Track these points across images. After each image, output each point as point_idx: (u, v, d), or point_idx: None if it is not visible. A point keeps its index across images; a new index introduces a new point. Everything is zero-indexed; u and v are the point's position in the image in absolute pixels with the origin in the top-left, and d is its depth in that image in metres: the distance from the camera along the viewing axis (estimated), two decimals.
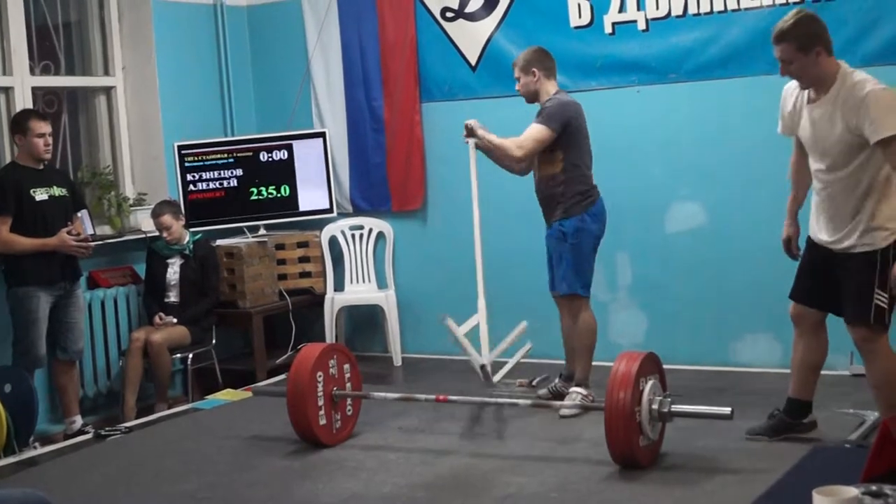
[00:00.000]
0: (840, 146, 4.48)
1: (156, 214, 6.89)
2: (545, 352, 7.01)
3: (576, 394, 5.81)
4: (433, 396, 5.52)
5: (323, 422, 5.38)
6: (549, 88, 5.91)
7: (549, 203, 5.93)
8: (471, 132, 5.92)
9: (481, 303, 6.08)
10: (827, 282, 4.73)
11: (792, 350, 5.01)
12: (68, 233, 6.03)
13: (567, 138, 5.77)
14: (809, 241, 4.83)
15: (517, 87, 5.98)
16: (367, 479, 4.90)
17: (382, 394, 5.76)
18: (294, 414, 5.36)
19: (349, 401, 5.59)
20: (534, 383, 6.47)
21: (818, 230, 4.73)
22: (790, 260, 5.01)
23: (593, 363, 5.98)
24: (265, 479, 5.01)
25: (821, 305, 4.85)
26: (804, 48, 4.44)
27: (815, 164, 4.66)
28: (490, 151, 5.97)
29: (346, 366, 5.58)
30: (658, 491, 4.51)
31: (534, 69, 5.87)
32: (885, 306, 4.55)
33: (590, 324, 5.92)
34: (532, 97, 5.95)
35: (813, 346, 4.91)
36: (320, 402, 5.37)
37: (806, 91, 4.62)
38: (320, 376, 5.37)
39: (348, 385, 5.57)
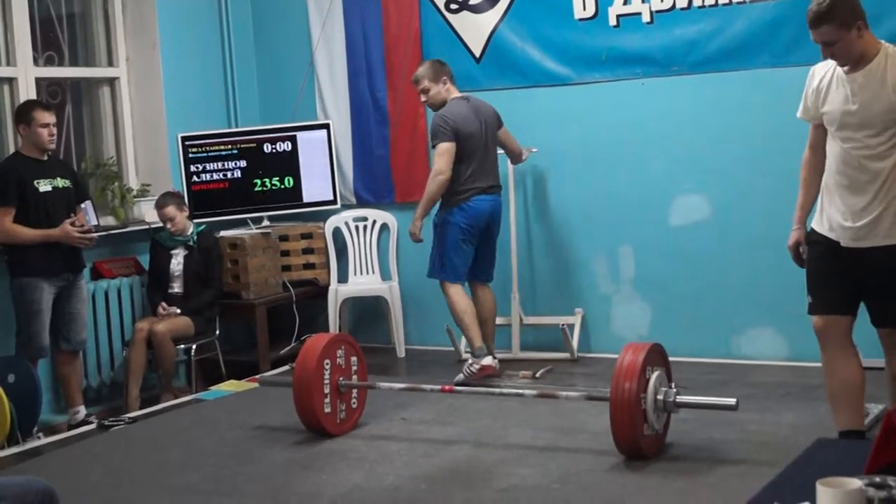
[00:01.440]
0: (884, 114, 4.21)
1: (159, 206, 6.89)
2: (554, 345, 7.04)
3: (466, 365, 6.44)
4: (438, 387, 5.53)
5: (328, 411, 5.39)
6: (453, 95, 6.48)
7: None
8: (413, 236, 6.57)
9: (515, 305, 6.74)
10: (849, 277, 4.38)
11: (826, 376, 4.51)
12: (72, 224, 6.03)
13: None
14: (820, 240, 4.45)
15: (425, 100, 6.50)
16: (369, 470, 4.91)
17: (388, 384, 5.77)
18: (300, 403, 5.36)
19: (355, 392, 5.60)
20: (537, 375, 6.47)
21: (840, 217, 4.35)
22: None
23: (600, 355, 6.40)
24: (268, 470, 5.01)
25: (849, 307, 4.45)
26: (847, 25, 4.19)
27: (846, 137, 4.31)
28: (428, 203, 6.45)
29: (354, 358, 5.59)
30: (661, 482, 4.51)
31: (444, 77, 6.44)
32: None
33: (456, 303, 6.43)
34: (440, 105, 6.44)
35: (854, 362, 4.44)
36: (326, 391, 5.37)
37: (840, 67, 4.33)
38: (327, 365, 5.38)
39: (354, 376, 5.57)
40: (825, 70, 4.43)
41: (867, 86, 4.25)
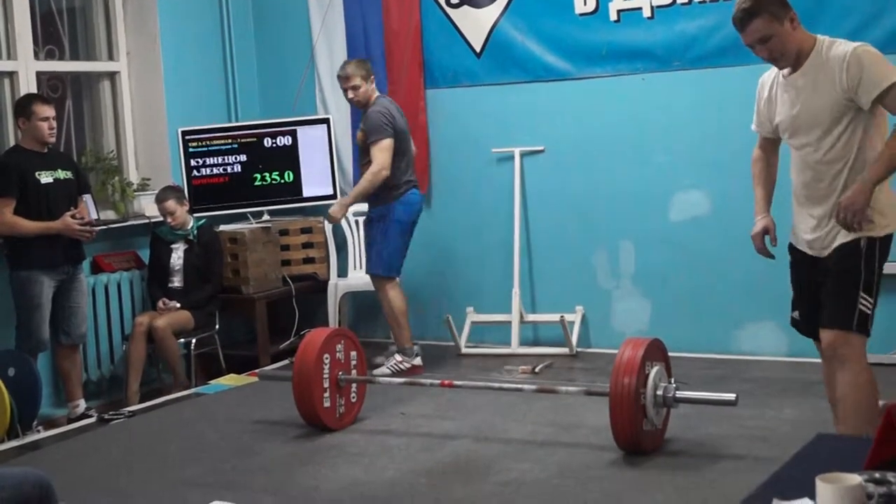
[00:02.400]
0: (829, 110, 4.07)
1: (160, 200, 6.89)
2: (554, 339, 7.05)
3: (394, 360, 6.63)
4: (438, 381, 5.54)
5: (327, 405, 5.39)
6: (376, 94, 6.66)
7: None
8: (333, 217, 6.58)
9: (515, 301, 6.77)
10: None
11: (827, 387, 4.36)
12: (72, 216, 6.03)
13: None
14: (795, 253, 4.36)
15: (353, 96, 6.58)
16: (368, 464, 4.91)
17: (387, 378, 5.78)
18: (299, 397, 5.37)
19: (354, 386, 5.60)
20: (536, 370, 6.48)
21: (805, 228, 4.25)
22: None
23: (600, 350, 6.45)
24: (268, 464, 5.02)
25: None
26: (778, 17, 4.04)
27: (800, 144, 4.21)
28: (361, 197, 6.56)
29: (353, 352, 5.59)
30: (660, 478, 4.51)
31: (371, 76, 6.61)
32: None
33: (396, 301, 6.62)
34: (365, 103, 6.58)
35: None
36: (325, 385, 5.37)
37: (782, 72, 4.22)
38: (327, 359, 5.38)
39: (354, 371, 5.58)
40: (771, 78, 4.33)
41: (807, 84, 4.13)
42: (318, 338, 5.43)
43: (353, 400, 5.61)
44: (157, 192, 7.04)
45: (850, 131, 4.08)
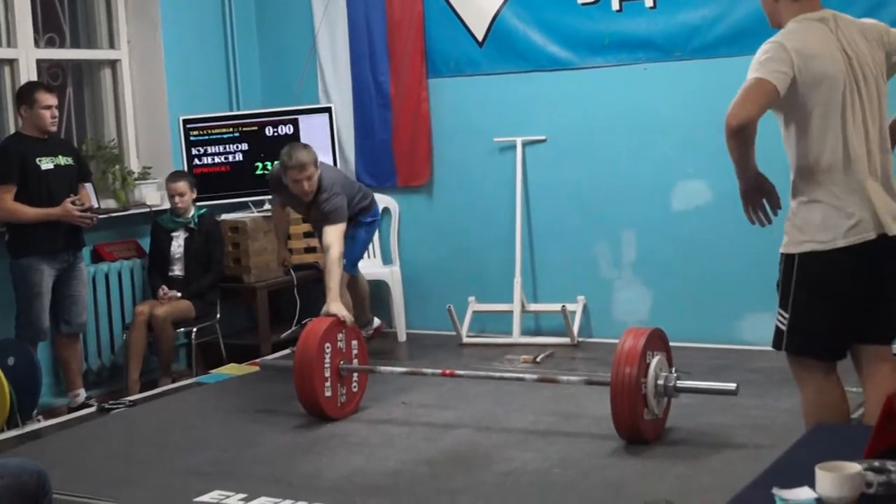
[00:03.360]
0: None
1: (173, 179, 6.92)
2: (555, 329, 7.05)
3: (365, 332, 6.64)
4: (439, 371, 5.54)
5: (328, 394, 5.39)
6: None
7: None
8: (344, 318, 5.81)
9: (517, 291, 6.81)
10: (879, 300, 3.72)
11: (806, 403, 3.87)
12: (72, 203, 6.02)
13: None
14: (833, 260, 3.67)
15: (308, 188, 6.06)
16: (370, 454, 4.91)
17: (389, 367, 5.78)
18: (300, 386, 5.37)
19: (355, 376, 5.60)
20: (538, 360, 6.47)
21: (882, 217, 3.64)
22: None
23: (601, 340, 6.65)
24: (269, 453, 5.02)
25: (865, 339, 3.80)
26: None
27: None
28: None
29: (354, 342, 5.59)
30: (661, 467, 4.51)
31: (320, 161, 6.19)
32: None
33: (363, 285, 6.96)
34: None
35: (841, 391, 3.83)
36: (327, 374, 5.37)
37: None
38: (328, 348, 5.38)
39: (355, 360, 5.57)
40: None
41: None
42: (319, 327, 5.43)
43: (355, 389, 5.60)
44: (158, 179, 7.06)
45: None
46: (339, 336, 5.48)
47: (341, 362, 5.47)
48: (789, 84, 3.61)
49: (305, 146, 6.21)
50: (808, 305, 3.70)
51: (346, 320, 5.61)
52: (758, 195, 3.86)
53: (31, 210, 5.95)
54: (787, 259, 3.78)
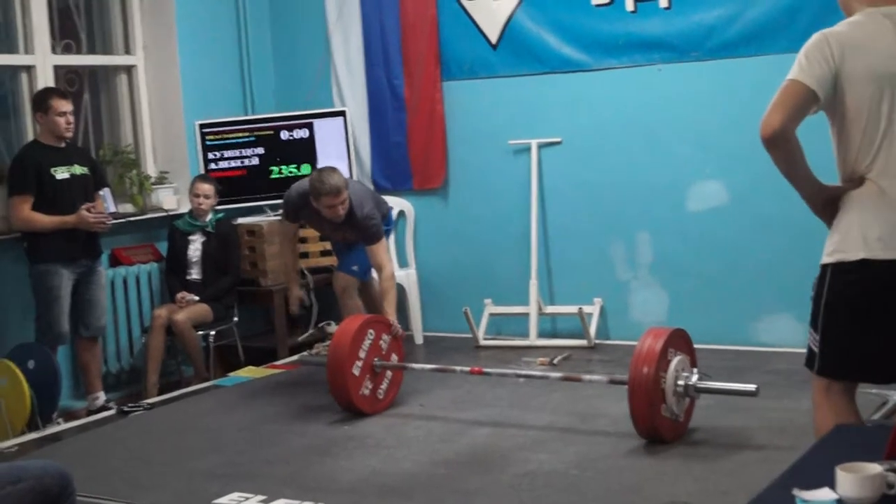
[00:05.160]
0: None
1: (200, 180, 6.99)
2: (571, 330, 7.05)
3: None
4: (468, 368, 5.63)
5: (365, 392, 5.54)
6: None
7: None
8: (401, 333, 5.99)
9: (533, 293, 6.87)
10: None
11: (816, 425, 3.63)
12: (87, 210, 6.05)
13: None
14: (863, 270, 3.33)
15: (342, 212, 6.01)
16: (386, 455, 4.92)
17: (420, 365, 5.87)
18: (333, 381, 5.49)
19: (389, 372, 5.68)
20: (555, 362, 6.47)
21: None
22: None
23: (618, 342, 6.61)
24: (285, 455, 5.03)
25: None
26: None
27: None
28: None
29: (387, 337, 5.73)
30: (678, 468, 4.50)
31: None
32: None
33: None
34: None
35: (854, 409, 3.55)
36: (359, 367, 5.50)
37: None
38: (371, 334, 5.56)
39: (394, 357, 5.72)
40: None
41: None
42: (353, 324, 5.56)
43: (387, 386, 5.71)
44: (175, 184, 7.13)
45: None
46: (370, 332, 5.59)
47: (375, 359, 5.57)
48: (831, 82, 3.29)
49: (333, 169, 6.05)
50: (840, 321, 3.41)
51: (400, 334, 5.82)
52: (829, 217, 3.44)
53: (47, 219, 5.99)
54: (822, 269, 3.44)
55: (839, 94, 3.32)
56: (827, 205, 3.43)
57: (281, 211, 6.60)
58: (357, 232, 6.17)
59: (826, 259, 3.41)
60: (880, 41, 3.30)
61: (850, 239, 3.33)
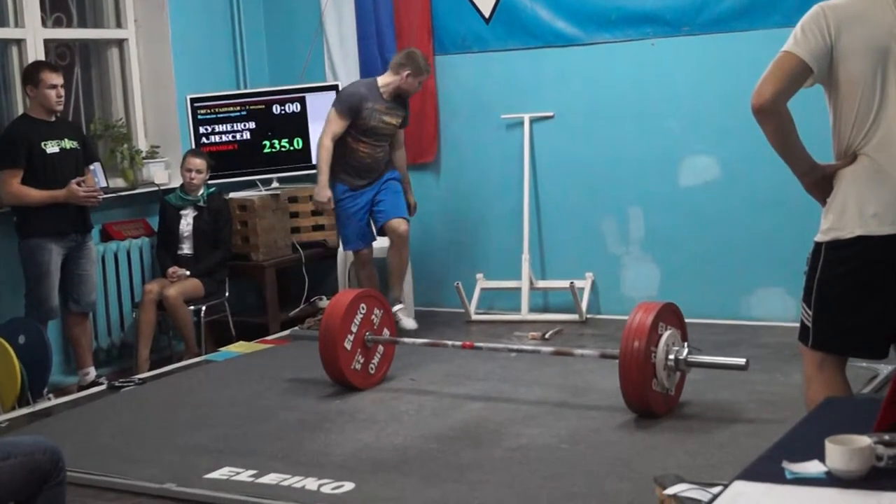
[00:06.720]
0: None
1: (192, 154, 6.95)
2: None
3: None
4: (459, 343, 5.63)
5: (357, 367, 5.53)
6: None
7: (377, 168, 6.71)
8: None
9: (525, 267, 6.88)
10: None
11: (808, 398, 3.57)
12: (77, 184, 6.03)
13: None
14: (859, 246, 3.30)
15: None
16: (378, 430, 4.92)
17: (411, 339, 5.85)
18: (325, 355, 5.48)
19: (381, 346, 5.68)
20: (546, 336, 6.48)
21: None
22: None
23: (610, 317, 6.63)
24: (277, 430, 5.03)
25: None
26: None
27: None
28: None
29: (380, 311, 5.70)
30: (670, 442, 4.52)
31: None
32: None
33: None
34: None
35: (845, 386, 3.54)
36: (351, 341, 5.48)
37: None
38: (363, 308, 5.52)
39: (385, 331, 5.69)
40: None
41: None
42: (345, 298, 5.55)
43: (379, 360, 5.70)
44: (166, 158, 7.09)
45: None
46: (362, 307, 5.56)
47: (367, 333, 5.55)
48: (826, 56, 3.26)
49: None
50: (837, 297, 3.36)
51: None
52: (821, 194, 3.43)
53: (37, 193, 5.96)
54: (816, 246, 3.40)
55: (835, 67, 3.29)
56: (820, 183, 3.43)
57: (333, 109, 6.60)
58: (404, 114, 6.71)
59: (821, 237, 3.39)
60: (879, 14, 3.27)
61: (846, 217, 3.31)
